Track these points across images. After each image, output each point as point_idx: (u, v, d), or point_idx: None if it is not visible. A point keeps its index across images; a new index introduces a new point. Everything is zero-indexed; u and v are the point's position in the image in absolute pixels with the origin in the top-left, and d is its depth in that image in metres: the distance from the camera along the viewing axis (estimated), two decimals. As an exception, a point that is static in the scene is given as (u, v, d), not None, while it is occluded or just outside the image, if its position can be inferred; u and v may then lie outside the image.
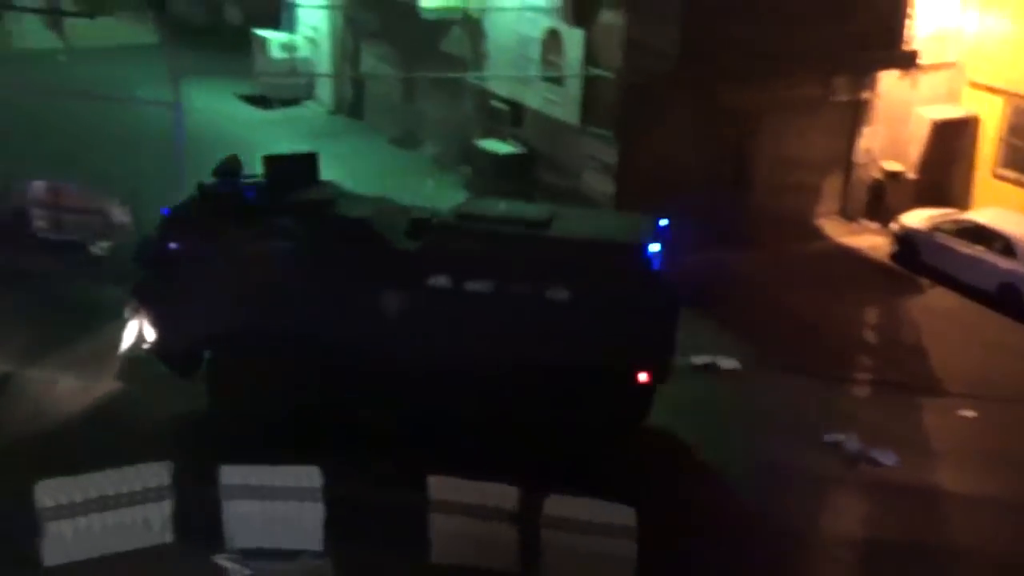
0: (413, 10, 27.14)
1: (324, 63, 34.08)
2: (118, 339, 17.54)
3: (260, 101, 34.29)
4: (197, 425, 16.97)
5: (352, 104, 33.63)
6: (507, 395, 16.31)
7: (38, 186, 22.74)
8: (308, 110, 34.27)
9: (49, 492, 13.16)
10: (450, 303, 16.17)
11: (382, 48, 31.56)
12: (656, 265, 16.05)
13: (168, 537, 13.83)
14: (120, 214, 22.48)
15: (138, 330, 17.15)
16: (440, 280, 16.20)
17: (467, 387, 16.31)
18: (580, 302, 15.86)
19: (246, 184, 17.28)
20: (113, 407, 17.46)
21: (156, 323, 16.97)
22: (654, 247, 15.98)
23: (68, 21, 37.51)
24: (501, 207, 17.49)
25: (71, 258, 22.20)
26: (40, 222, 22.69)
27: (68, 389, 17.66)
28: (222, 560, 13.67)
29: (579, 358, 15.98)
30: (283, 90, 33.94)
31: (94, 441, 16.10)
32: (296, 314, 16.41)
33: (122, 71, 33.89)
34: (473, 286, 16.10)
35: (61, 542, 13.30)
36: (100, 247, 22.40)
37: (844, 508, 16.23)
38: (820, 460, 17.18)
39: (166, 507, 13.79)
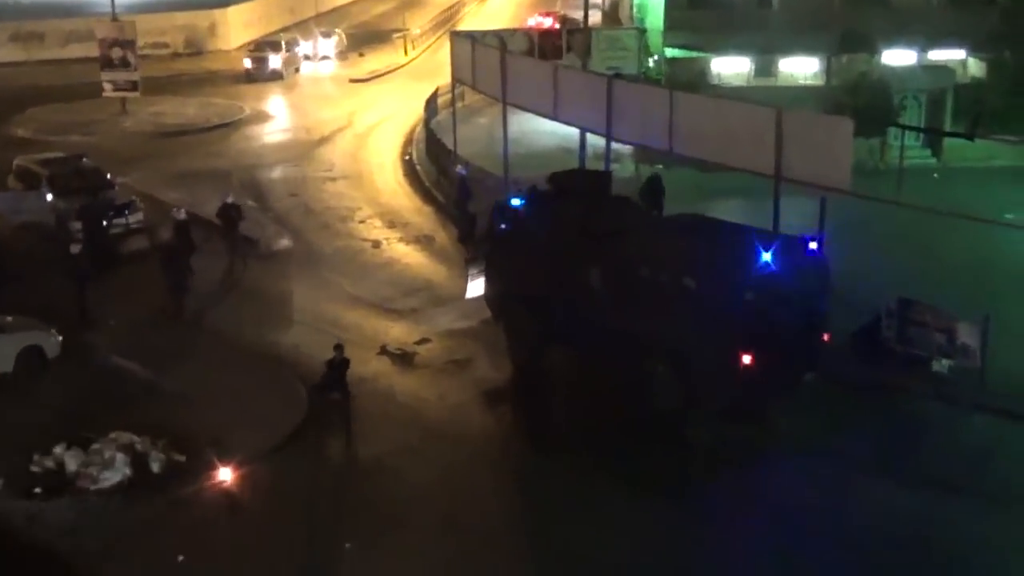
0: None
1: None
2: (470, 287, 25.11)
3: None
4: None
5: None
6: None
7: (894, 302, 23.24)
8: None
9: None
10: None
11: None
12: None
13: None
14: (967, 335, 22.00)
15: (478, 284, 24.67)
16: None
17: None
18: None
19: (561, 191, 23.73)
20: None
21: (485, 281, 24.55)
22: None
23: (947, 141, 37.98)
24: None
25: (918, 372, 22.49)
26: (888, 333, 23.15)
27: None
28: None
29: None
30: None
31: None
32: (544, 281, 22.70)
33: (995, 193, 33.41)
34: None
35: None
36: (941, 364, 22.25)
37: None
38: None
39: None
